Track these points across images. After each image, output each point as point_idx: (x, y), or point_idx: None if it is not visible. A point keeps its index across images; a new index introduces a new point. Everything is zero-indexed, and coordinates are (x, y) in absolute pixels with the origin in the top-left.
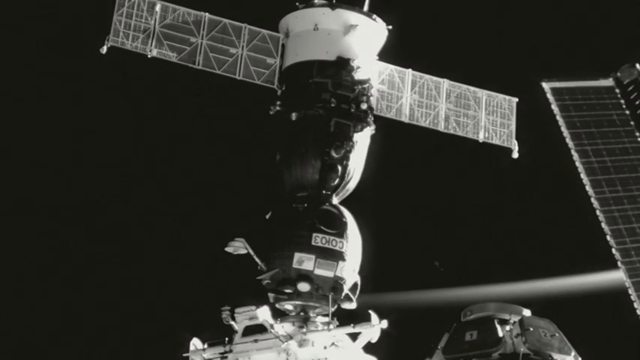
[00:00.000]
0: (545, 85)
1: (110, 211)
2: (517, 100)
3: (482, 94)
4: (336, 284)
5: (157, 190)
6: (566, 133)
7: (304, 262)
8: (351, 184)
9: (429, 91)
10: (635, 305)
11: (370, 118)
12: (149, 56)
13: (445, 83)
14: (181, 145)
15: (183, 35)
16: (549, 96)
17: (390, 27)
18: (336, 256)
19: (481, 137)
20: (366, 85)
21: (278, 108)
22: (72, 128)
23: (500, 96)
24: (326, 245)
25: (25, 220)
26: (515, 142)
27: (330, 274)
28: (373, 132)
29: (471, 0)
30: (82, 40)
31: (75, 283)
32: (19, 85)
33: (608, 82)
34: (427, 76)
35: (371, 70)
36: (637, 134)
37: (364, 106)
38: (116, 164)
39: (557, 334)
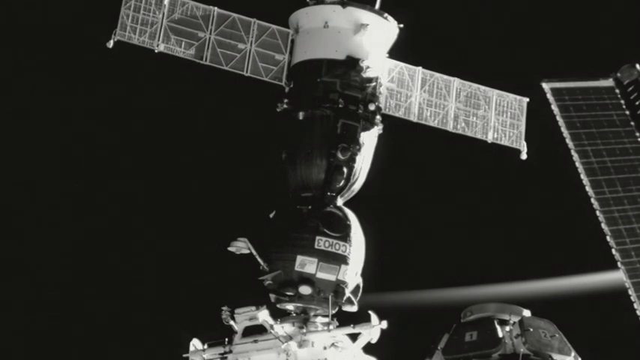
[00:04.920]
0: (545, 86)
1: (110, 208)
2: (528, 100)
3: (493, 93)
4: (338, 288)
5: (159, 188)
6: (566, 133)
7: (306, 265)
8: (357, 185)
9: (438, 89)
10: (635, 306)
11: (378, 118)
12: (156, 51)
13: (455, 82)
14: (185, 141)
15: (191, 30)
16: (549, 96)
17: (402, 25)
18: (339, 259)
19: (490, 138)
20: (374, 84)
21: (285, 106)
22: (77, 123)
23: (511, 96)
24: (329, 249)
25: (21, 217)
26: (525, 143)
27: (332, 277)
28: (381, 132)
29: None
30: (89, 33)
31: (73, 283)
32: (23, 80)
33: (608, 82)
34: (437, 75)
35: (381, 68)
36: (637, 134)
37: (372, 107)
38: (119, 159)
39: (557, 335)
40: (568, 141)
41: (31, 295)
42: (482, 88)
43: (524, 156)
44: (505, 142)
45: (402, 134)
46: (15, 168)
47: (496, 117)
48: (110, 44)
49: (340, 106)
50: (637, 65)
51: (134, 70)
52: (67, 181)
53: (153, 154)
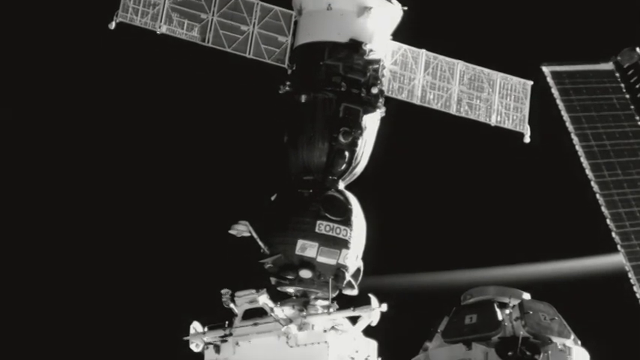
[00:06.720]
0: (545, 69)
1: (112, 190)
2: (532, 83)
3: (497, 76)
4: (338, 272)
5: (160, 170)
6: (565, 116)
7: (307, 249)
8: (359, 169)
9: (442, 72)
10: (635, 289)
11: (381, 102)
12: (158, 33)
13: (459, 65)
14: (186, 123)
15: (193, 11)
16: (549, 79)
17: (406, 8)
18: (340, 244)
19: (493, 121)
20: (377, 67)
21: (287, 88)
22: (77, 106)
23: (515, 79)
24: (330, 233)
25: (24, 197)
26: (528, 126)
27: (332, 261)
28: (383, 115)
29: None
30: (90, 15)
31: (73, 266)
32: (22, 63)
33: (608, 65)
34: (441, 57)
35: (384, 51)
36: (637, 118)
37: (375, 90)
38: (120, 143)
39: (556, 318)
40: (568, 124)
41: (31, 275)
42: (486, 70)
43: (527, 139)
44: (508, 125)
45: (404, 117)
46: (12, 146)
47: (500, 100)
48: (112, 26)
49: (342, 89)
50: (637, 48)
51: (136, 51)
52: (66, 161)
53: (153, 136)
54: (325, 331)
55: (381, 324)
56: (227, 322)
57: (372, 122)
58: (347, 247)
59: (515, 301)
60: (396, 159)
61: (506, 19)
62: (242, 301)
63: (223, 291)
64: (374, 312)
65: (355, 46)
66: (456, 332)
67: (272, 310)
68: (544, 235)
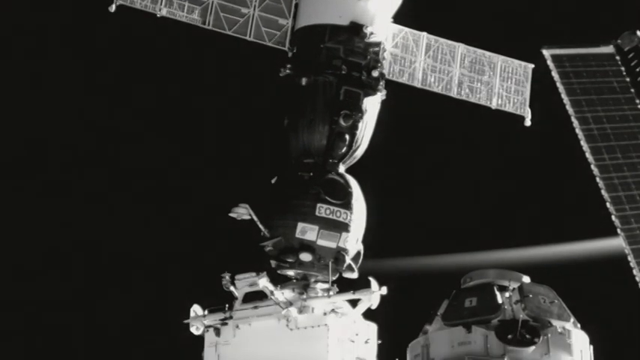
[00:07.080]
0: (546, 52)
1: (112, 171)
2: (533, 66)
3: (498, 59)
4: (339, 255)
5: (161, 153)
6: (566, 100)
7: (307, 232)
8: (359, 152)
9: (443, 55)
10: (634, 272)
11: (381, 85)
12: (158, 15)
13: (460, 48)
14: (188, 107)
15: None
16: (549, 63)
17: None
18: (340, 227)
19: (494, 104)
20: (377, 49)
21: (288, 71)
22: (77, 89)
23: (516, 62)
24: (330, 216)
25: (28, 177)
26: (529, 109)
27: (332, 245)
28: (384, 98)
29: None
30: None
31: (73, 252)
32: (22, 45)
33: (609, 48)
34: (442, 40)
35: (385, 34)
36: (637, 101)
37: (375, 74)
38: (120, 126)
39: (556, 301)
40: (568, 107)
41: (31, 257)
42: (487, 54)
43: (528, 122)
44: (509, 108)
45: (405, 100)
46: (10, 126)
47: (500, 83)
48: (112, 8)
49: (343, 72)
50: (637, 32)
51: (136, 34)
52: (65, 144)
53: (154, 119)
54: (325, 314)
55: (381, 307)
56: (227, 305)
57: (372, 105)
58: (347, 231)
59: (515, 285)
60: (396, 142)
61: (507, 2)
62: (242, 284)
63: (223, 274)
64: (374, 295)
65: (356, 29)
66: (456, 315)
67: (272, 293)
68: (544, 218)
